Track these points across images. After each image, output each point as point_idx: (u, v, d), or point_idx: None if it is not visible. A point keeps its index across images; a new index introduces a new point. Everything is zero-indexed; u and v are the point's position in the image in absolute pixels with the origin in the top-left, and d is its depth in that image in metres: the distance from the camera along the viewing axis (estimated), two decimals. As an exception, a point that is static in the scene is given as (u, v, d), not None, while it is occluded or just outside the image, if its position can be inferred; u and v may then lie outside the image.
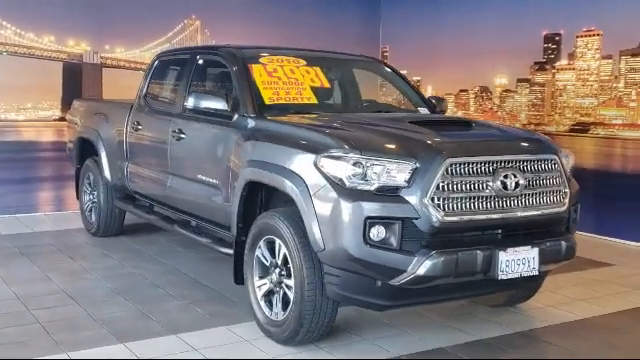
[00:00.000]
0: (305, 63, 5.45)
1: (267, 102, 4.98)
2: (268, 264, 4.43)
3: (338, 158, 3.90)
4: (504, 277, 3.95)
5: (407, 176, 3.82)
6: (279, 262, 4.31)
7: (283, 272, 4.30)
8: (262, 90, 5.03)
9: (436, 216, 3.78)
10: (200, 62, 5.71)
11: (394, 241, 3.78)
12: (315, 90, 5.27)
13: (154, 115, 6.16)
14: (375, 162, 3.85)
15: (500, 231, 4.05)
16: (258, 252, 4.48)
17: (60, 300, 5.15)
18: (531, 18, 8.62)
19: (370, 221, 3.77)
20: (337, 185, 3.86)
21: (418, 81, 10.19)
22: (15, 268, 6.06)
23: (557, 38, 8.51)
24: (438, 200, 3.80)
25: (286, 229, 4.15)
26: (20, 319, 4.73)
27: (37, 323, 4.65)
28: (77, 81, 9.18)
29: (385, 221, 3.78)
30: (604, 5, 7.87)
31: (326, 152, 3.95)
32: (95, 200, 7.30)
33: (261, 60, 5.30)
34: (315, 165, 3.98)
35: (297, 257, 4.07)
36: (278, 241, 4.27)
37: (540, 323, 4.88)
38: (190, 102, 5.07)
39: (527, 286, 4.83)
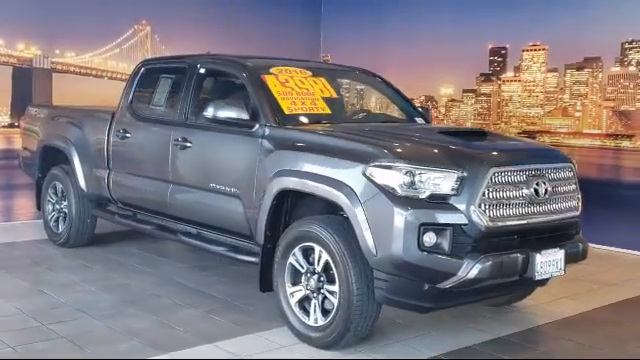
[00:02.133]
0: (311, 74, 5.60)
1: (286, 112, 5.09)
2: (304, 271, 4.55)
3: (389, 168, 4.09)
4: (539, 277, 4.28)
5: (455, 185, 4.07)
6: (318, 269, 4.44)
7: (322, 278, 4.44)
8: (280, 100, 5.14)
9: (482, 222, 4.04)
10: (202, 71, 5.72)
11: (446, 246, 4.01)
12: (326, 100, 5.42)
13: (147, 123, 6.10)
14: (425, 171, 4.07)
15: (532, 235, 4.37)
16: (292, 259, 4.59)
17: (69, 314, 5.02)
18: (476, 31, 9.12)
19: (424, 227, 3.98)
20: (390, 194, 4.05)
21: (361, 90, 10.49)
22: None
23: (503, 51, 9.05)
24: (484, 207, 4.07)
25: (329, 236, 4.29)
26: (42, 334, 4.60)
27: (62, 338, 4.54)
28: (27, 86, 8.85)
29: (437, 227, 4.01)
30: (550, 21, 8.46)
31: (377, 162, 4.13)
32: (63, 210, 7.11)
33: (272, 71, 5.40)
34: (364, 174, 4.15)
35: (343, 263, 4.22)
36: (318, 248, 4.40)
37: (543, 319, 5.26)
38: (209, 111, 5.09)
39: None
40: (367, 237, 4.08)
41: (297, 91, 5.31)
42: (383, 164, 4.11)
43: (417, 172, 4.07)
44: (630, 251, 7.69)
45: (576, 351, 4.66)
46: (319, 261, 4.43)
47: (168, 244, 7.50)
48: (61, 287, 5.69)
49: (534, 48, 8.71)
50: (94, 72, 8.92)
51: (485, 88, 9.23)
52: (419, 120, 5.96)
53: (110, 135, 6.44)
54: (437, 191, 4.07)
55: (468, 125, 9.42)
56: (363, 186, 4.15)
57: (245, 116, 5.04)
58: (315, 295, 4.48)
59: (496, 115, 9.07)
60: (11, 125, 8.54)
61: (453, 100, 9.67)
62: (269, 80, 5.28)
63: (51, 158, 7.33)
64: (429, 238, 3.99)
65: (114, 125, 6.42)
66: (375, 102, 7.31)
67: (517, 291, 4.96)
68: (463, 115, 9.49)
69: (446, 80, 9.77)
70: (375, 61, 10.34)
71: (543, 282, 4.77)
